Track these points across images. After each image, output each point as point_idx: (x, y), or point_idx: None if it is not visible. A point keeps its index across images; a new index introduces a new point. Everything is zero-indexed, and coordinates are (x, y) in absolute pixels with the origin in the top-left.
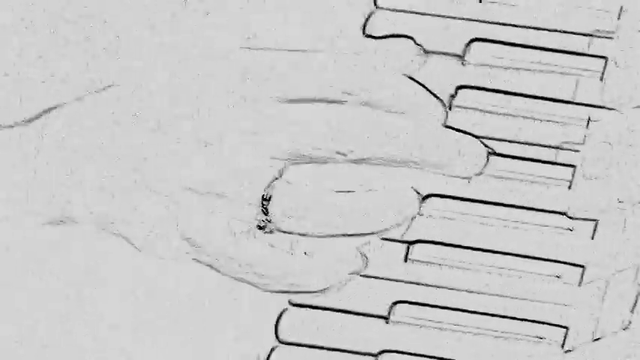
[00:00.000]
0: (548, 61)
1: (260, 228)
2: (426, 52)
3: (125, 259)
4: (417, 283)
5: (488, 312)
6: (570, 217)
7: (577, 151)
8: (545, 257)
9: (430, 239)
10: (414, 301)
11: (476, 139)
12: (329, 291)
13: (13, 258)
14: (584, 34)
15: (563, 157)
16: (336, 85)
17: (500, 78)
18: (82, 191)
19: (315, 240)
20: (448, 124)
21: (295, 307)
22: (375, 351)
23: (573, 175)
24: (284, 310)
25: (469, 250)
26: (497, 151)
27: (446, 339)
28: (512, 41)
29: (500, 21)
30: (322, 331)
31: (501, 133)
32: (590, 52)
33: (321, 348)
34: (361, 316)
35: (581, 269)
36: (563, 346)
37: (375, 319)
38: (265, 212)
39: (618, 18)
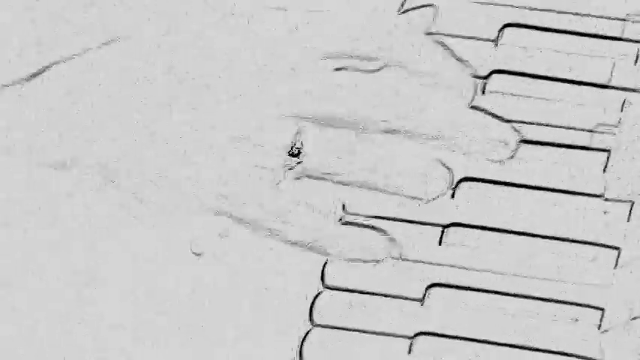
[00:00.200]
0: (583, 45)
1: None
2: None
3: (125, 259)
4: (452, 266)
5: (523, 294)
6: (606, 199)
7: (613, 134)
8: (581, 240)
9: (464, 222)
10: (448, 283)
11: (506, 123)
12: (362, 267)
13: (13, 258)
14: (619, 19)
15: (597, 140)
16: (365, 42)
17: (532, 63)
18: (92, 140)
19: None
20: (482, 107)
21: (329, 290)
22: (410, 334)
23: (608, 158)
24: (319, 293)
25: (503, 233)
26: (533, 134)
27: (480, 321)
28: (546, 26)
29: (534, 6)
30: (357, 313)
31: (536, 117)
32: (624, 37)
33: (356, 330)
34: (397, 299)
35: (616, 251)
36: (599, 328)
37: (411, 301)
38: (296, 154)
39: None
